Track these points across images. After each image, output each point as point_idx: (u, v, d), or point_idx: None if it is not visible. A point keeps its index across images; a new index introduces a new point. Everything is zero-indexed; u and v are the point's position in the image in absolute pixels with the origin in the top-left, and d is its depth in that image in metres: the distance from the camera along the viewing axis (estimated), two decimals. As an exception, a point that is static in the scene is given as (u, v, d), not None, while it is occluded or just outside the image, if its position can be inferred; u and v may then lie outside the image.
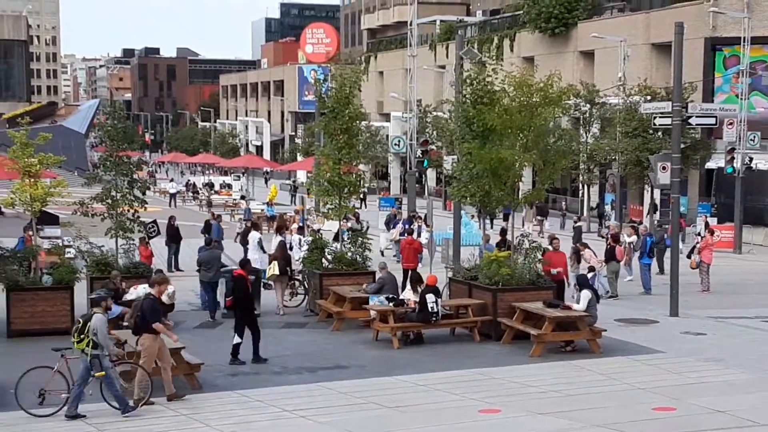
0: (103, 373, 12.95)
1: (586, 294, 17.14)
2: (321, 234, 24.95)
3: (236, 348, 16.33)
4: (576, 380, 15.04)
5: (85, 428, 12.54)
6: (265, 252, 24.40)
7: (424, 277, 18.57)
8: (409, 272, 23.54)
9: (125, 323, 18.65)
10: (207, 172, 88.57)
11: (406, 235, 27.46)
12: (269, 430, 12.46)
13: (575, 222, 34.63)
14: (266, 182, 78.94)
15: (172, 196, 62.72)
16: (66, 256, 21.56)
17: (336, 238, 25.41)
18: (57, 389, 13.22)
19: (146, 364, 13.62)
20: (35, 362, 16.38)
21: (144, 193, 21.00)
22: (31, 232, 22.23)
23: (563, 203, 50.09)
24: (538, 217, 43.54)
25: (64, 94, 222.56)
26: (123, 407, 13.04)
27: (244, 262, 18.32)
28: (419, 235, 29.51)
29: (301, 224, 30.85)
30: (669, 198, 26.69)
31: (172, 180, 75.42)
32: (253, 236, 25.44)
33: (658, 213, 45.42)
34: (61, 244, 23.31)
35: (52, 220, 31.85)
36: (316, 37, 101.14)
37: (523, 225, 21.93)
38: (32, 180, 19.59)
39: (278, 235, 24.46)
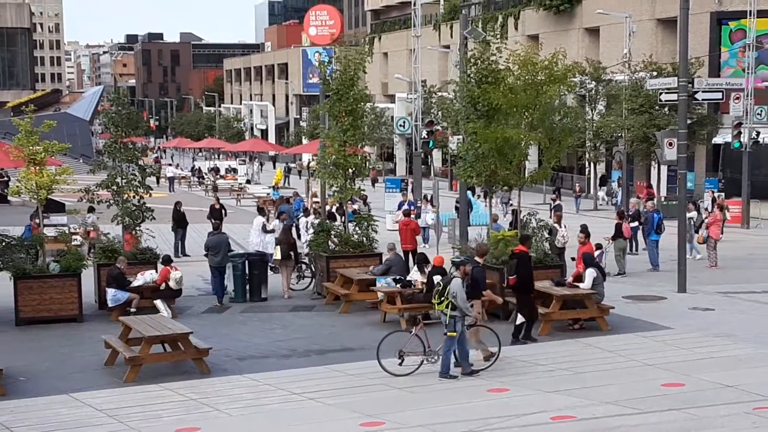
0: (455, 333, 13.60)
1: (590, 272, 17.09)
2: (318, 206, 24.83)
3: (519, 328, 15.99)
4: (584, 358, 15.03)
5: (81, 404, 12.57)
6: (272, 232, 24.47)
7: (430, 258, 18.54)
8: (414, 253, 23.52)
9: (132, 309, 18.76)
10: (221, 156, 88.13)
11: (402, 216, 27.08)
12: (279, 413, 12.47)
13: (553, 200, 34.54)
14: (261, 166, 78.99)
15: (171, 180, 62.01)
16: (72, 243, 21.62)
17: (329, 216, 25.40)
18: (414, 351, 13.85)
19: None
20: (42, 350, 16.52)
21: (158, 181, 21.09)
22: (38, 220, 22.27)
23: (577, 184, 49.75)
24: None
25: (68, 81, 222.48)
26: (443, 371, 13.73)
27: (525, 238, 17.46)
28: (418, 216, 29.37)
29: (297, 207, 30.98)
30: (677, 174, 26.59)
31: (177, 165, 75.43)
32: (257, 220, 25.51)
33: (606, 187, 45.87)
34: (67, 232, 23.32)
35: (58, 207, 31.90)
36: (319, 19, 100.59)
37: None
38: (37, 168, 19.57)
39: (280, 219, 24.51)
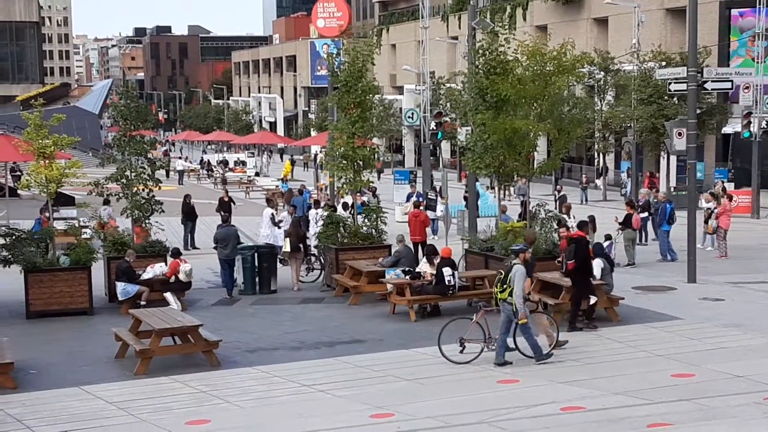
0: (527, 320, 13.55)
1: (597, 263, 17.04)
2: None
3: (593, 308, 16.25)
4: (594, 348, 15.01)
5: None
6: (279, 227, 24.48)
7: (439, 249, 18.54)
8: (424, 245, 23.53)
9: (142, 302, 18.81)
10: (230, 149, 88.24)
11: (412, 207, 27.05)
12: (289, 405, 12.49)
13: (558, 191, 34.52)
14: (270, 158, 79.19)
15: (180, 173, 61.84)
16: (82, 236, 21.68)
17: (331, 207, 25.45)
18: (475, 338, 13.99)
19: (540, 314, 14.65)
20: (53, 343, 16.59)
21: (168, 174, 21.14)
22: (48, 214, 22.34)
23: (585, 174, 49.64)
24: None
25: (77, 74, 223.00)
26: (537, 355, 13.84)
27: (582, 224, 17.69)
28: (429, 208, 29.34)
29: (305, 199, 31.03)
30: (686, 164, 26.51)
31: (186, 158, 75.49)
32: (266, 212, 25.54)
33: (604, 177, 45.92)
34: (77, 225, 23.42)
35: (68, 201, 32.02)
36: (327, 11, 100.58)
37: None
38: (47, 161, 19.62)
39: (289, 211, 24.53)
